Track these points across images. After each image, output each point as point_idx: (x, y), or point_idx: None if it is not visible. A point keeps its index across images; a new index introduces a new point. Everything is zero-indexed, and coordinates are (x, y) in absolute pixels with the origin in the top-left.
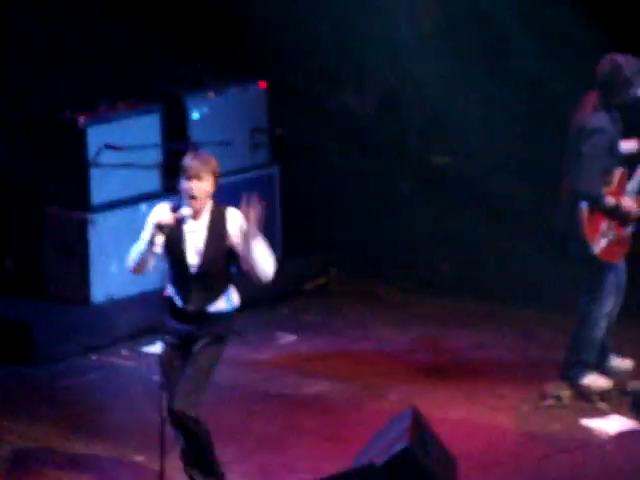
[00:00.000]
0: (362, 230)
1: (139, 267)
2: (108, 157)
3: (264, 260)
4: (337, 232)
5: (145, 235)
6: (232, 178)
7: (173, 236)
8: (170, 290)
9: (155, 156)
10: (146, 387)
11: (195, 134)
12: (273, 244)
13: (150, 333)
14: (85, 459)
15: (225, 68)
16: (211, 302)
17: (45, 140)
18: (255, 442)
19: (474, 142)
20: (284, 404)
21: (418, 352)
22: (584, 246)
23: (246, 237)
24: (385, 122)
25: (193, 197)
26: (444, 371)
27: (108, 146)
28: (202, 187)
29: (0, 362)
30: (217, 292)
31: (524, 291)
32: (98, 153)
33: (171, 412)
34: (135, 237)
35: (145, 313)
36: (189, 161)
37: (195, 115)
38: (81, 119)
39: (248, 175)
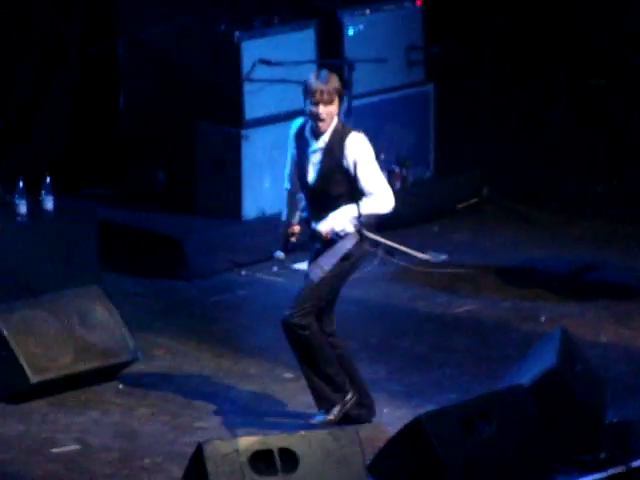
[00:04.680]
0: (515, 151)
1: (293, 188)
2: (262, 72)
3: (373, 204)
4: (490, 152)
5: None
6: (387, 96)
7: (300, 154)
8: (285, 212)
9: (310, 72)
10: None
11: (350, 50)
12: (426, 163)
13: (300, 250)
14: (233, 375)
15: None
16: None
17: (199, 54)
18: (403, 361)
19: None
20: (433, 323)
21: (569, 273)
22: None
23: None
24: (537, 43)
25: (322, 120)
26: (595, 293)
27: (263, 61)
28: (330, 110)
29: (151, 277)
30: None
31: None
32: (252, 68)
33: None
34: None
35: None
36: (315, 84)
37: (350, 31)
38: (236, 33)
39: (403, 93)
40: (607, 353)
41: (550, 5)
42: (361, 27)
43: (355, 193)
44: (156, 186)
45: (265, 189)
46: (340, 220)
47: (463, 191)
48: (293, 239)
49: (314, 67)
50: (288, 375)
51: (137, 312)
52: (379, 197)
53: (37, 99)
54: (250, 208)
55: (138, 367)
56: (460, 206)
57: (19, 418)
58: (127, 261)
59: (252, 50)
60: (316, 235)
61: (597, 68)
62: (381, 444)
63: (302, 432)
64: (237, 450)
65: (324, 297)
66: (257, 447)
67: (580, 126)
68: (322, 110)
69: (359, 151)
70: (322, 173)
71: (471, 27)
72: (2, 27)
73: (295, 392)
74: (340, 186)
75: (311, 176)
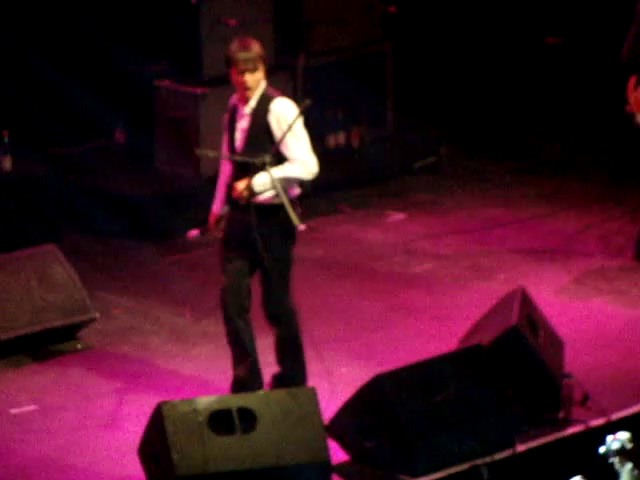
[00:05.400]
0: (473, 109)
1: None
2: (221, 32)
3: (295, 169)
4: (448, 111)
5: None
6: (345, 54)
7: (230, 123)
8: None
9: (268, 31)
10: None
11: (308, 9)
12: (384, 122)
13: None
14: (193, 334)
15: None
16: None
17: (158, 14)
18: (362, 320)
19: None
20: (392, 283)
21: (527, 233)
22: None
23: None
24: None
25: (248, 89)
26: (553, 252)
27: (221, 21)
28: (256, 77)
29: (109, 236)
30: None
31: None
32: (211, 28)
33: (267, 314)
34: None
35: None
36: (239, 53)
37: None
38: None
39: (360, 52)
40: (565, 311)
41: None
42: None
43: (280, 159)
44: (115, 144)
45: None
46: (260, 181)
47: (421, 150)
48: (214, 230)
49: (272, 26)
50: None
51: (95, 272)
52: (302, 163)
53: None
54: (209, 167)
55: (97, 327)
56: (418, 165)
57: None
58: (85, 220)
59: (210, 10)
60: (234, 202)
61: (553, 27)
62: (340, 403)
63: (260, 391)
64: (196, 410)
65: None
66: (215, 407)
67: (538, 85)
68: (249, 78)
69: (282, 117)
70: (248, 138)
71: None
72: None
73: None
74: (264, 152)
75: (237, 142)
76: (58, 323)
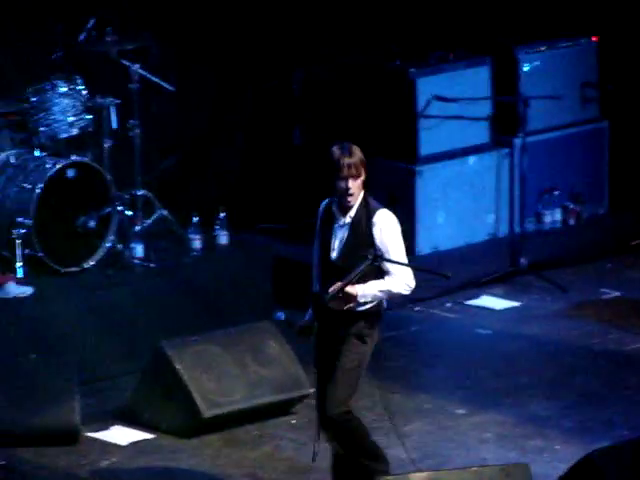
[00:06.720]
0: None
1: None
2: (437, 108)
3: (394, 283)
4: None
5: None
6: (561, 132)
7: (325, 231)
8: (316, 285)
9: (484, 108)
10: (470, 340)
11: (525, 87)
12: (600, 200)
13: (474, 286)
14: (407, 410)
15: (557, 21)
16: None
17: (374, 89)
18: (576, 398)
19: None
20: (607, 360)
21: None
22: None
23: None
24: None
25: (351, 195)
26: None
27: (438, 97)
28: (358, 183)
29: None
30: None
31: None
32: (427, 104)
33: (321, 417)
34: (462, 189)
35: (470, 265)
36: (342, 159)
37: (526, 68)
38: (411, 70)
39: (577, 130)
40: None
41: None
42: (536, 63)
43: (377, 272)
44: None
45: (439, 225)
46: (364, 290)
47: (638, 227)
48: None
49: (489, 104)
50: (461, 411)
51: (309, 347)
52: (400, 278)
53: (213, 134)
54: (424, 244)
55: (311, 402)
56: (635, 243)
57: (192, 453)
58: (300, 296)
59: (427, 86)
60: (330, 314)
61: None
62: None
63: (475, 467)
64: None
65: (356, 386)
66: None
67: None
68: (351, 184)
69: (386, 230)
70: (347, 249)
71: None
72: (182, 62)
73: (468, 428)
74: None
75: (335, 252)
76: (272, 398)
